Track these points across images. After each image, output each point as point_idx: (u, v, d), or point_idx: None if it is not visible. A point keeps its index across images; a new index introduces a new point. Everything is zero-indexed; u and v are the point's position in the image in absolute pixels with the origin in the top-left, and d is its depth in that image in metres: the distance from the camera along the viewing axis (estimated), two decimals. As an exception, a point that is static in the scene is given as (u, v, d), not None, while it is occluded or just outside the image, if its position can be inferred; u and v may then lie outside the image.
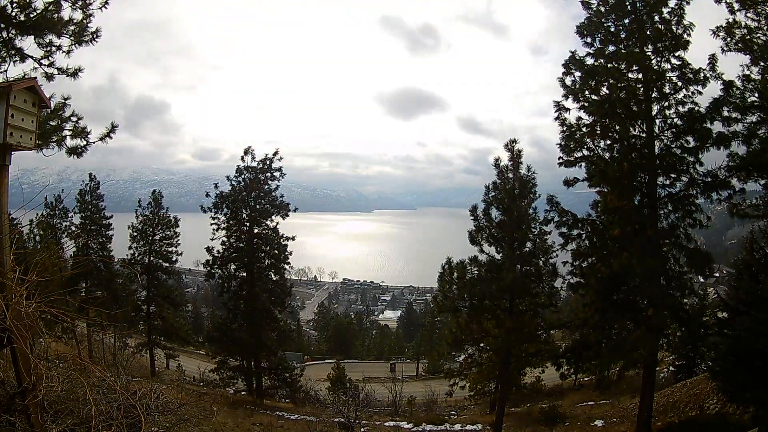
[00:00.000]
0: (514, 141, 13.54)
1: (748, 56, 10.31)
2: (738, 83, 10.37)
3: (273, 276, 22.60)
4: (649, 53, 11.00)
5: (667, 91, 10.88)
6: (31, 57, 7.58)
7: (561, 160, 11.79)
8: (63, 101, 8.28)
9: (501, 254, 13.50)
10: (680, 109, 10.84)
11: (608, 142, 11.44)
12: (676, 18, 10.74)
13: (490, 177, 13.77)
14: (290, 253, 22.54)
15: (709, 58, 10.55)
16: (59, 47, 7.69)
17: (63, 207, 24.89)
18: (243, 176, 21.73)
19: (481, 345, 15.92)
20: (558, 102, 11.79)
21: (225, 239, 21.91)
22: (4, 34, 7.25)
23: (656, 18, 10.92)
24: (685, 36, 10.74)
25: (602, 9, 11.40)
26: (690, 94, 10.76)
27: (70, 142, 8.49)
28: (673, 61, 10.89)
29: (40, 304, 3.07)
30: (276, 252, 22.15)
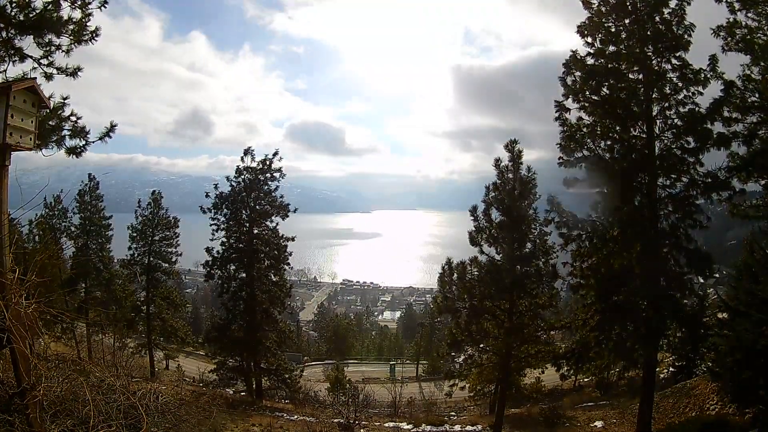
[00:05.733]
0: (514, 141, 13.53)
1: (748, 56, 10.34)
2: (738, 83, 10.39)
3: (272, 277, 22.53)
4: (650, 53, 10.99)
5: (668, 91, 10.86)
6: (31, 57, 7.56)
7: (561, 160, 11.76)
8: (62, 101, 8.26)
9: (501, 255, 13.48)
10: (681, 109, 10.81)
11: (608, 142, 11.41)
12: (676, 18, 10.72)
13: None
14: (290, 254, 22.50)
15: (709, 59, 10.53)
16: (59, 47, 7.67)
17: (62, 207, 24.89)
18: (243, 177, 21.69)
19: (481, 346, 15.87)
20: (558, 102, 11.77)
21: (224, 240, 21.85)
22: (4, 34, 7.22)
23: (657, 18, 10.90)
24: (685, 36, 10.71)
25: (603, 9, 11.38)
26: (690, 94, 10.73)
27: (69, 141, 8.48)
28: (674, 61, 10.86)
29: (40, 304, 3.06)
30: (276, 253, 22.10)
